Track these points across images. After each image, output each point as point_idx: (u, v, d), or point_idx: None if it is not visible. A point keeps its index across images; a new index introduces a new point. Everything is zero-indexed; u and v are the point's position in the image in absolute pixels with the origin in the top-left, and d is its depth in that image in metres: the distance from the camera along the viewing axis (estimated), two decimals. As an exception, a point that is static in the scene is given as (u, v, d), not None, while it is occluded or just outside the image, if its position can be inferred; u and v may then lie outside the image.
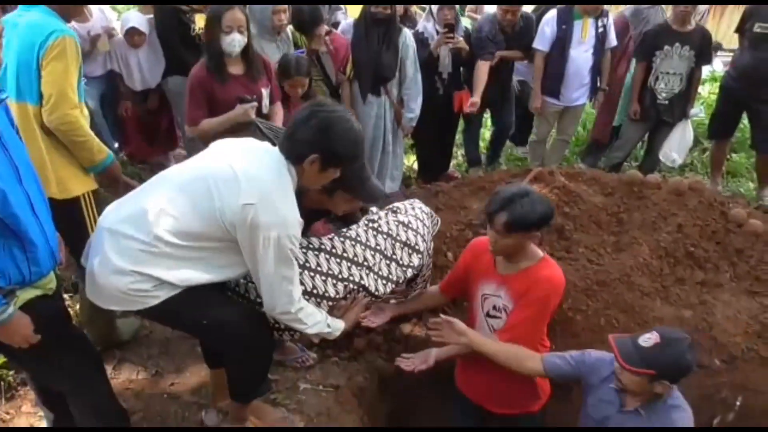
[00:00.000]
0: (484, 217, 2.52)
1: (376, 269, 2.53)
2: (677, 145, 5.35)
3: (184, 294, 2.10)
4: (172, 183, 2.14)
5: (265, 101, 3.55)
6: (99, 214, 2.72)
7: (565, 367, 2.39)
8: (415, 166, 5.80)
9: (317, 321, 2.31)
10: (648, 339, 2.11)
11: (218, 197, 2.03)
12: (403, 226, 2.64)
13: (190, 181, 2.11)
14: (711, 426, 3.21)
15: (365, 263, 2.50)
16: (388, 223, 2.63)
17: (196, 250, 2.10)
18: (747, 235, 3.76)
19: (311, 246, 2.47)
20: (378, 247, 2.55)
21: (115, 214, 2.16)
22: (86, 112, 2.73)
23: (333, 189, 2.34)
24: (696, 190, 3.94)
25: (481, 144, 6.12)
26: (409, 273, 2.63)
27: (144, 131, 5.15)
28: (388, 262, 2.57)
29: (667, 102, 5.19)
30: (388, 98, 4.58)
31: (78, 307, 3.29)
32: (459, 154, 6.30)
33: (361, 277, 2.48)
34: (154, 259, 2.05)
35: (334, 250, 2.46)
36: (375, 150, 4.61)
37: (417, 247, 2.64)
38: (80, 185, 2.79)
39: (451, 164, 5.83)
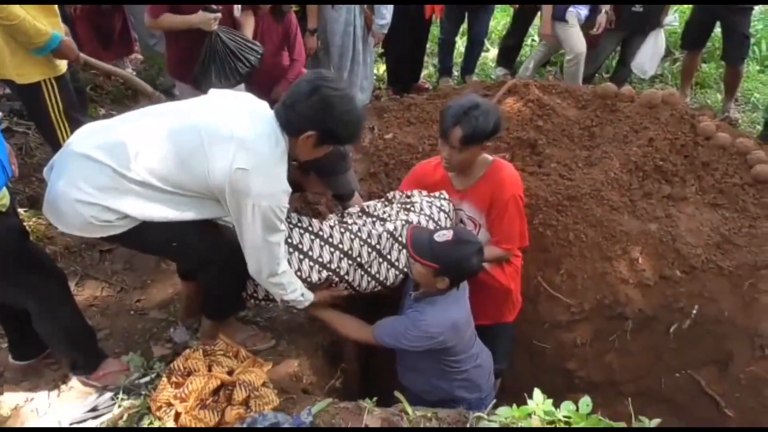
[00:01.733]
0: None
1: (366, 267, 2.49)
2: (650, 55, 5.28)
3: (149, 222, 2.04)
4: (161, 124, 2.03)
5: (237, 6, 3.37)
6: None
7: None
8: (386, 76, 5.61)
9: (295, 288, 2.30)
10: (442, 235, 2.20)
11: (210, 156, 1.95)
12: (403, 224, 2.54)
13: (182, 129, 2.00)
14: (669, 332, 3.36)
15: (358, 258, 2.45)
16: (395, 220, 2.54)
17: (169, 194, 2.02)
18: (714, 149, 3.78)
19: (310, 229, 2.43)
20: (377, 246, 2.48)
21: (89, 138, 2.03)
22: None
23: (308, 170, 2.31)
24: (668, 102, 3.90)
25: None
26: (401, 277, 2.57)
27: (97, 34, 4.79)
28: (381, 260, 2.50)
29: (642, 10, 5.06)
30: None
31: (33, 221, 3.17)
32: (430, 64, 6.11)
33: (347, 272, 2.45)
34: (122, 193, 1.96)
35: (331, 239, 2.43)
36: (344, 59, 4.41)
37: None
38: (38, 71, 2.83)
39: (422, 75, 5.66)
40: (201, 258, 2.25)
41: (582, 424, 1.57)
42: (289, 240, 2.35)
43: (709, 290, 3.37)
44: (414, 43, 5.09)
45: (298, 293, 2.32)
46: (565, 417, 1.66)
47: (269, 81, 3.77)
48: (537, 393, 1.75)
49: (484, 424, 1.78)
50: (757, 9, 7.36)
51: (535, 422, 1.67)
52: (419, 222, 2.53)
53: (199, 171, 1.97)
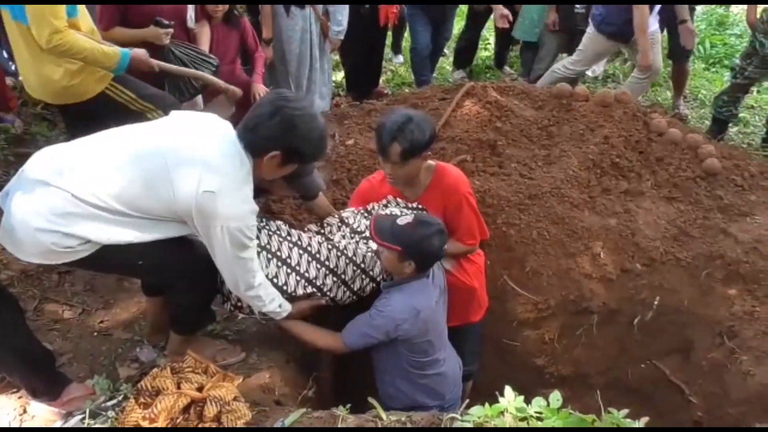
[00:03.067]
0: None
1: (350, 283, 2.52)
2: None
3: (112, 245, 2.00)
4: (122, 148, 1.99)
5: (191, 14, 3.33)
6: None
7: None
8: (344, 83, 5.61)
9: (273, 299, 2.30)
10: (404, 219, 2.29)
11: (175, 180, 1.92)
12: None
13: (144, 153, 1.97)
14: (633, 324, 3.44)
15: (343, 276, 2.48)
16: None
17: (133, 218, 1.98)
18: (666, 144, 3.90)
19: (299, 243, 2.44)
20: (362, 264, 2.51)
21: (46, 164, 1.97)
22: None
23: None
24: (621, 101, 4.01)
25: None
26: (374, 286, 2.59)
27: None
28: (364, 276, 2.53)
29: (584, 10, 5.17)
30: (313, 11, 4.33)
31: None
32: (388, 69, 6.14)
33: (331, 289, 2.48)
34: (83, 218, 1.92)
35: (318, 255, 2.45)
36: (303, 67, 4.40)
37: None
38: (98, 79, 2.87)
39: (381, 80, 5.69)
40: (169, 274, 2.22)
41: (553, 419, 1.60)
42: (279, 254, 2.37)
43: (669, 281, 3.47)
44: (371, 48, 5.11)
45: (276, 304, 2.31)
46: (536, 413, 1.68)
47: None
48: (508, 390, 1.77)
49: (458, 424, 1.79)
50: (700, 9, 7.66)
51: (507, 419, 1.69)
52: None
53: (164, 195, 1.94)
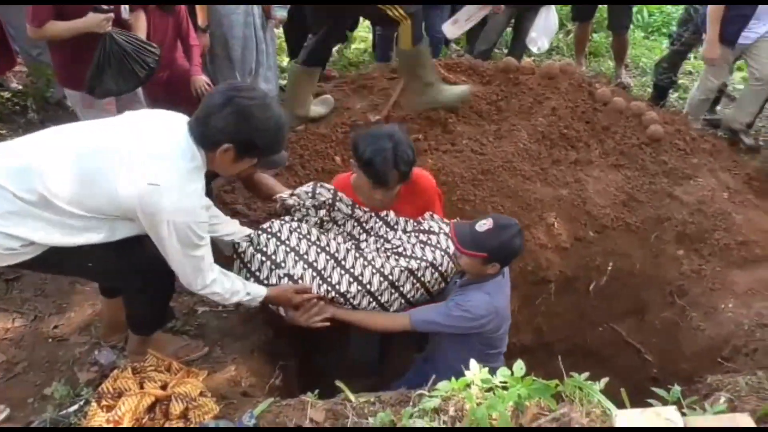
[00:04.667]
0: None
1: (377, 295, 2.52)
2: (542, 30, 5.45)
3: (59, 247, 1.94)
4: (66, 146, 1.91)
5: (125, 7, 3.19)
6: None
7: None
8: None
9: (236, 290, 2.25)
10: (483, 225, 2.30)
11: (119, 175, 1.86)
12: (428, 265, 2.58)
13: (89, 151, 1.90)
14: (589, 290, 3.54)
15: (368, 286, 2.50)
16: (414, 257, 2.58)
17: (77, 218, 1.92)
18: (612, 113, 4.00)
19: (327, 249, 2.51)
20: (389, 276, 2.52)
21: None
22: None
23: None
24: (566, 72, 4.08)
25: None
26: (403, 302, 2.60)
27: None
28: (393, 291, 2.54)
29: None
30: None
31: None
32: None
33: (354, 296, 2.50)
34: (25, 218, 1.86)
35: (352, 270, 2.50)
36: (248, 51, 4.27)
37: (428, 285, 2.61)
38: None
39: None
40: (121, 276, 2.16)
41: (517, 387, 1.63)
42: (306, 257, 2.46)
43: (621, 246, 3.57)
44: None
45: (241, 295, 2.27)
46: (501, 383, 1.71)
47: (168, 79, 3.62)
48: (473, 363, 1.80)
49: (425, 400, 1.81)
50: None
51: (473, 392, 1.71)
52: (435, 259, 2.58)
53: (107, 191, 1.88)
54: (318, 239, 2.53)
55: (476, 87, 4.03)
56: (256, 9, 4.23)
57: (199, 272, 2.09)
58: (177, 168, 1.90)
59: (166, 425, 1.98)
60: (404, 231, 2.68)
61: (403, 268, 2.54)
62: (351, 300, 2.50)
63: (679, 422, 1.56)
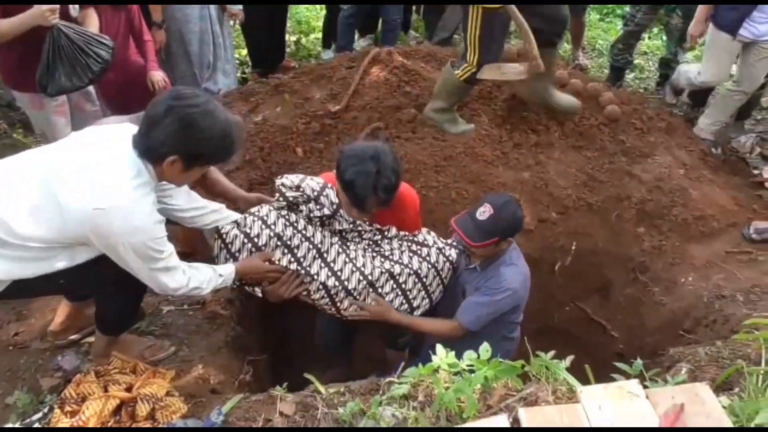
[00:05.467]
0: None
1: (355, 294, 2.51)
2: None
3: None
4: (17, 181, 1.86)
5: (74, 6, 3.08)
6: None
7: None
8: (249, 60, 5.45)
9: (209, 278, 2.20)
10: (483, 213, 2.33)
11: (63, 202, 1.80)
12: (411, 272, 2.56)
13: (39, 183, 1.85)
14: (554, 271, 3.59)
15: (347, 284, 2.49)
16: (399, 262, 2.57)
17: (31, 249, 1.87)
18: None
19: (312, 240, 2.48)
20: (369, 277, 2.51)
21: None
22: None
23: None
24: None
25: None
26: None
27: None
28: (371, 290, 2.52)
29: None
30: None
31: None
32: (291, 41, 6.01)
33: (330, 290, 2.49)
34: None
35: (333, 264, 2.48)
36: (205, 45, 4.21)
37: (409, 295, 2.59)
38: None
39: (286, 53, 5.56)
40: (94, 285, 2.11)
41: (484, 369, 1.65)
42: (288, 243, 2.44)
43: (583, 226, 3.63)
44: (272, 22, 4.96)
45: (215, 279, 2.23)
46: (468, 366, 1.72)
47: (121, 77, 3.53)
48: (439, 348, 1.80)
49: (395, 387, 1.81)
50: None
51: (441, 376, 1.72)
52: (419, 269, 2.57)
53: (58, 221, 1.83)
54: (305, 228, 2.49)
55: (435, 73, 4.02)
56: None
57: (171, 278, 2.05)
58: (121, 188, 1.83)
59: (133, 427, 1.95)
60: (396, 238, 2.65)
61: (384, 270, 2.52)
62: (330, 290, 2.49)
63: (641, 395, 1.59)
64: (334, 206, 2.47)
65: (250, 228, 2.46)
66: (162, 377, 2.20)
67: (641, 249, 3.55)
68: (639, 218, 3.61)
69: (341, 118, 3.76)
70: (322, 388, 2.00)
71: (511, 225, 2.37)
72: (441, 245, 2.66)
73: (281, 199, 2.51)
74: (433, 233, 2.73)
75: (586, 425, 1.53)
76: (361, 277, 2.49)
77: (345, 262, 2.49)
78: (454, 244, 2.69)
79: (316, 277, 2.46)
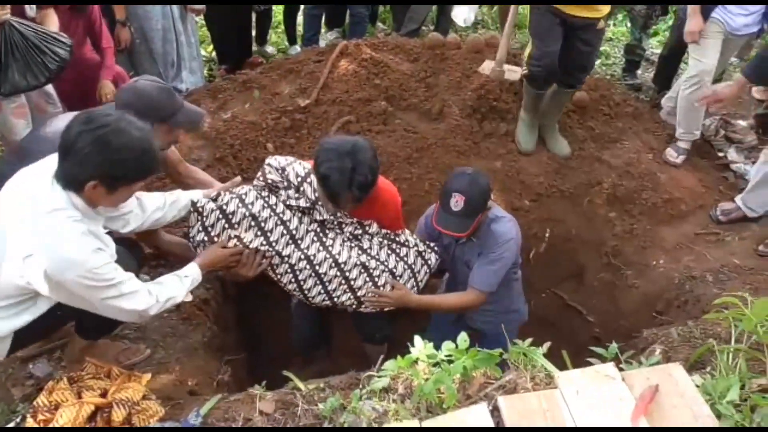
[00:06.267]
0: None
1: (325, 280, 2.50)
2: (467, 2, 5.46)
3: None
4: None
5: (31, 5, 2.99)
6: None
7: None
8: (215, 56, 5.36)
9: (176, 286, 2.16)
10: (456, 204, 2.36)
11: (3, 256, 1.79)
12: (385, 269, 2.55)
13: None
14: (530, 258, 3.62)
15: (318, 268, 2.48)
16: (375, 257, 2.55)
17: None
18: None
19: (287, 224, 2.45)
20: (342, 266, 2.49)
21: None
22: None
23: None
24: (492, 45, 4.11)
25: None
26: (353, 299, 2.55)
27: None
28: (342, 280, 2.51)
29: None
30: (168, -18, 4.05)
31: None
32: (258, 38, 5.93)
33: (301, 272, 2.48)
34: None
35: (306, 251, 2.46)
36: (168, 43, 4.13)
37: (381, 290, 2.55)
38: None
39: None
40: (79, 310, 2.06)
41: (462, 359, 1.65)
42: (262, 225, 2.42)
43: (556, 213, 3.67)
44: (237, 17, 4.88)
45: (185, 284, 2.20)
46: (446, 356, 1.73)
47: (77, 78, 3.44)
48: (417, 339, 1.81)
49: (374, 381, 1.81)
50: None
51: (420, 368, 1.73)
52: (395, 268, 2.56)
53: (3, 278, 1.82)
54: (282, 212, 2.46)
55: (404, 65, 4.02)
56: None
57: (135, 302, 1.98)
58: (46, 227, 1.77)
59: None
60: (378, 235, 2.62)
61: (359, 263, 2.50)
62: (298, 274, 2.47)
63: (618, 377, 1.61)
64: (315, 195, 2.44)
65: (227, 204, 2.44)
66: (138, 381, 2.16)
67: (613, 233, 3.60)
68: (610, 203, 3.66)
69: (311, 113, 3.73)
70: (301, 385, 1.99)
71: (484, 196, 2.40)
72: (422, 248, 2.65)
73: (261, 178, 2.48)
74: (415, 235, 2.71)
75: (565, 410, 1.54)
76: (333, 264, 2.48)
77: (319, 249, 2.47)
78: (435, 248, 2.69)
79: (286, 258, 2.44)
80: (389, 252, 2.59)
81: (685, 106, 3.79)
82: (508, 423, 1.53)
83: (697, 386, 1.61)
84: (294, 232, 2.46)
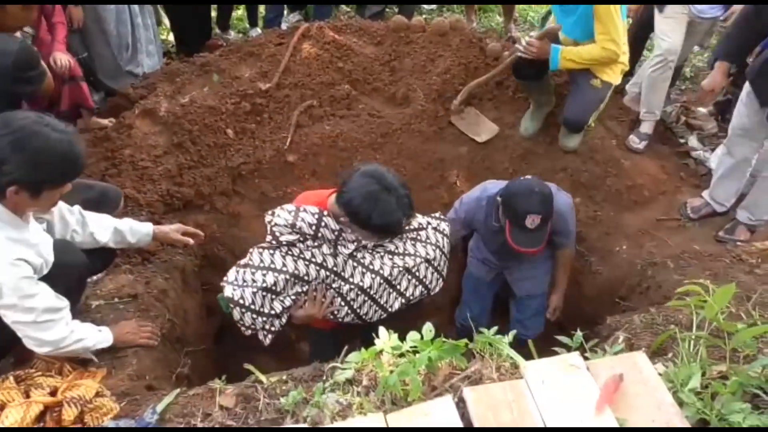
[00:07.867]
0: None
1: (376, 297, 2.53)
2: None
3: None
4: None
5: None
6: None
7: (458, 226, 2.89)
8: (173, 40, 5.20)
9: (90, 331, 2.13)
10: (533, 222, 2.50)
11: None
12: (422, 260, 2.57)
13: None
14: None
15: (369, 290, 2.50)
16: (408, 254, 2.57)
17: None
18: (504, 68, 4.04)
19: (324, 265, 2.45)
20: (388, 277, 2.52)
21: None
22: None
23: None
24: (456, 29, 4.06)
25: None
26: (403, 302, 2.60)
27: None
28: (390, 289, 2.54)
29: None
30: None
31: None
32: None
33: (354, 300, 2.51)
34: None
35: (351, 279, 2.48)
36: (123, 25, 3.98)
37: (425, 281, 2.60)
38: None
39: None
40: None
41: (427, 350, 1.62)
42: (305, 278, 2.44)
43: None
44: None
45: (98, 338, 2.16)
46: (411, 347, 1.70)
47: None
48: (382, 330, 1.77)
49: (338, 373, 1.77)
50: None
51: (385, 359, 1.69)
52: (428, 254, 2.58)
53: None
54: (313, 257, 2.44)
55: (368, 48, 3.94)
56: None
57: (57, 331, 1.96)
58: None
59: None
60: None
61: (400, 269, 2.53)
62: (352, 304, 2.52)
63: (583, 366, 1.60)
64: (335, 233, 2.43)
65: (264, 281, 2.38)
66: (91, 377, 2.07)
67: (577, 219, 3.61)
68: (575, 189, 3.67)
69: (273, 97, 3.64)
70: (263, 378, 1.94)
71: (552, 205, 2.58)
72: (434, 223, 2.70)
73: (275, 242, 2.42)
74: (418, 214, 2.70)
75: (530, 401, 1.53)
76: (382, 280, 2.51)
77: (363, 273, 2.49)
78: (441, 216, 2.77)
79: (338, 290, 2.50)
80: (413, 242, 2.62)
81: (649, 84, 3.80)
82: (474, 415, 1.51)
83: (660, 374, 1.61)
84: (334, 268, 2.46)
